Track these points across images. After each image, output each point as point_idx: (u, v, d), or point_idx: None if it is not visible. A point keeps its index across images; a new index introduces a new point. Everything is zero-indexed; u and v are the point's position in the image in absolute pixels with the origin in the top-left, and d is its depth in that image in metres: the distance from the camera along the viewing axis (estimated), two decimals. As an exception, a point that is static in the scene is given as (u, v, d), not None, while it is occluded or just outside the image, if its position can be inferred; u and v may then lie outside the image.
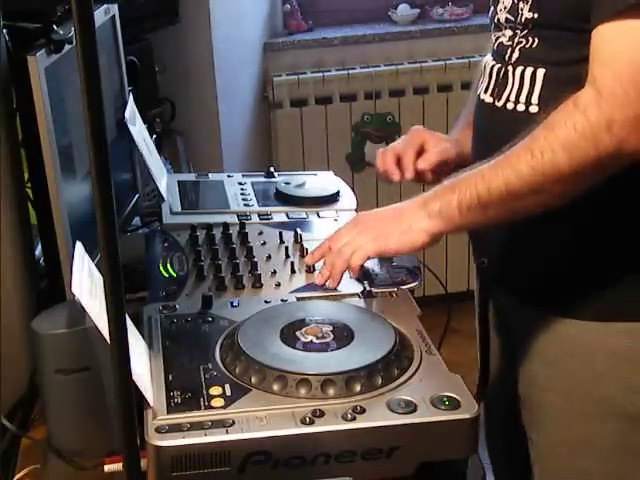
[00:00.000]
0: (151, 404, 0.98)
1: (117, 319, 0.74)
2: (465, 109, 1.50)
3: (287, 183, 1.69)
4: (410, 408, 0.98)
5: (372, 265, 1.36)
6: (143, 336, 1.13)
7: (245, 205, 1.62)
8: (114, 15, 1.57)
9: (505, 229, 1.26)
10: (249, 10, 3.11)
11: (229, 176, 1.79)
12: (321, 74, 3.16)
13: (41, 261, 1.34)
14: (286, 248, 1.42)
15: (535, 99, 1.21)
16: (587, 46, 1.13)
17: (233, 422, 0.95)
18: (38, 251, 1.34)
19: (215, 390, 1.01)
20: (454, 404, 0.98)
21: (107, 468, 0.99)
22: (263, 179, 1.76)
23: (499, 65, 1.27)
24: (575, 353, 1.25)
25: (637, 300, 1.21)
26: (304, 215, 1.58)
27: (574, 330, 1.24)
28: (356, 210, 1.60)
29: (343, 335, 1.10)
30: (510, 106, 1.24)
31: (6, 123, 1.22)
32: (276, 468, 0.94)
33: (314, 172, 1.81)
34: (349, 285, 1.30)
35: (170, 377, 1.04)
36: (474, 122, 1.37)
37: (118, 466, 0.98)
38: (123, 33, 1.62)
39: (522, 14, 1.20)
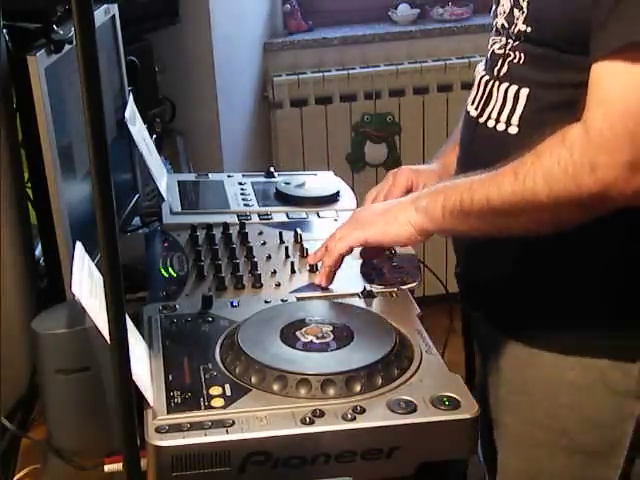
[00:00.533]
0: (151, 404, 0.98)
1: (117, 319, 0.74)
2: (457, 128, 1.45)
3: (287, 183, 1.69)
4: (410, 408, 0.98)
5: (372, 266, 1.36)
6: (143, 336, 1.13)
7: (245, 205, 1.62)
8: (114, 15, 1.57)
9: (480, 251, 1.25)
10: (249, 10, 3.11)
11: (229, 176, 1.79)
12: (321, 74, 3.16)
13: (41, 261, 1.34)
14: (286, 248, 1.42)
15: (516, 119, 1.18)
16: (574, 72, 1.10)
17: (233, 422, 0.95)
18: (38, 251, 1.34)
19: (215, 390, 1.01)
20: (454, 404, 0.98)
21: (107, 468, 0.99)
22: (263, 179, 1.76)
23: (487, 77, 1.25)
24: (539, 384, 1.24)
25: (602, 336, 1.19)
26: (304, 215, 1.58)
27: (540, 361, 1.23)
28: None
29: (343, 335, 1.10)
30: (491, 124, 1.22)
31: (6, 123, 1.22)
32: (276, 468, 0.94)
33: (314, 172, 1.81)
34: (349, 285, 1.30)
35: (170, 377, 1.03)
36: (461, 133, 1.35)
37: (118, 466, 0.98)
38: (123, 33, 1.62)
39: (516, 24, 1.17)
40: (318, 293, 1.28)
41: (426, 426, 0.96)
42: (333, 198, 1.64)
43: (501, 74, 1.21)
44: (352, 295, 1.26)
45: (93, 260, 1.07)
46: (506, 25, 1.20)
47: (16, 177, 1.26)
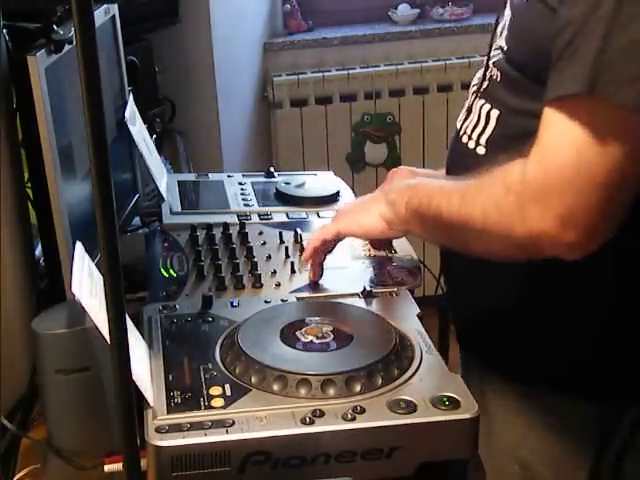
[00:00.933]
0: (151, 404, 0.98)
1: (117, 319, 0.74)
2: None
3: (287, 183, 1.69)
4: (410, 408, 0.97)
5: (372, 265, 1.36)
6: (143, 336, 1.13)
7: (245, 205, 1.62)
8: (114, 15, 1.57)
9: (470, 287, 1.25)
10: (249, 10, 3.11)
11: (229, 176, 1.79)
12: (321, 74, 3.16)
13: (41, 261, 1.34)
14: (286, 248, 1.42)
15: (484, 140, 1.16)
16: (540, 103, 1.03)
17: (233, 422, 0.95)
18: (38, 251, 1.34)
19: (215, 390, 1.01)
20: (454, 404, 0.98)
21: (107, 468, 0.99)
22: (263, 179, 1.76)
23: (474, 88, 1.23)
24: (496, 409, 1.23)
25: (552, 372, 1.18)
26: (304, 215, 1.58)
27: (499, 387, 1.22)
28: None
29: (343, 335, 1.10)
30: (465, 139, 1.21)
31: (6, 123, 1.22)
32: (276, 468, 0.94)
33: (314, 172, 1.81)
34: (349, 285, 1.30)
35: (170, 377, 1.03)
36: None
37: (118, 466, 0.98)
38: (123, 33, 1.62)
39: (500, 39, 1.14)
40: (318, 293, 1.28)
41: (426, 426, 0.96)
42: (333, 198, 1.64)
43: (482, 89, 1.20)
44: (352, 295, 1.26)
45: (93, 260, 1.07)
46: (497, 37, 1.17)
47: (16, 177, 1.26)
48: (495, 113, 1.15)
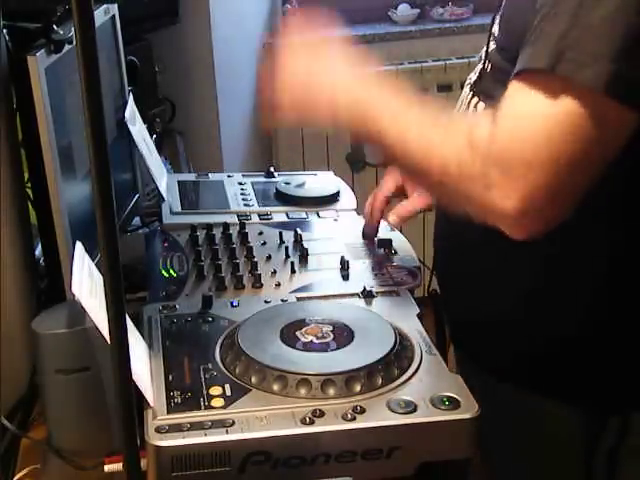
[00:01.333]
0: (151, 404, 0.98)
1: (117, 319, 0.74)
2: None
3: (287, 183, 1.69)
4: (410, 408, 0.97)
5: (372, 265, 1.36)
6: (143, 336, 1.13)
7: (245, 205, 1.62)
8: (114, 15, 1.57)
9: (466, 285, 1.24)
10: (249, 10, 3.11)
11: (229, 176, 1.79)
12: (321, 74, 3.15)
13: (41, 261, 1.34)
14: (286, 248, 1.42)
15: None
16: None
17: (233, 422, 0.95)
18: (38, 251, 1.34)
19: (215, 390, 1.01)
20: (454, 404, 0.98)
21: (107, 468, 0.99)
22: (263, 179, 1.76)
23: (468, 81, 1.23)
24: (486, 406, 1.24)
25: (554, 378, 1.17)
26: (304, 215, 1.58)
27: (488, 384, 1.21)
28: (356, 210, 1.60)
29: (343, 335, 1.10)
30: None
31: (6, 123, 1.22)
32: (276, 468, 0.94)
33: (314, 172, 1.81)
34: (349, 285, 1.30)
35: (170, 377, 1.04)
36: None
37: (118, 466, 0.98)
38: (123, 33, 1.62)
39: (495, 26, 1.14)
40: (318, 293, 1.28)
41: (426, 426, 0.96)
42: (333, 198, 1.64)
43: (471, 82, 1.20)
44: (352, 295, 1.26)
45: (93, 260, 1.07)
46: (493, 27, 1.16)
47: (16, 177, 1.26)
48: (481, 106, 1.15)
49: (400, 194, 1.45)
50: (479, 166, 0.95)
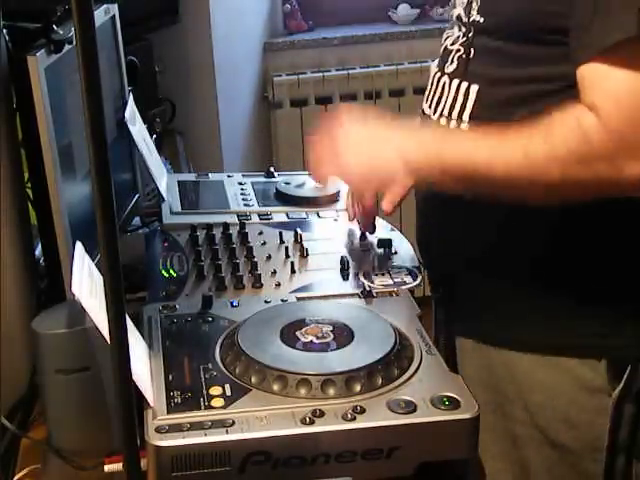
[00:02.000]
0: (151, 404, 0.98)
1: (117, 319, 0.74)
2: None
3: (287, 183, 1.69)
4: (410, 408, 0.97)
5: (372, 265, 1.36)
6: (143, 336, 1.13)
7: (245, 205, 1.62)
8: (114, 15, 1.57)
9: (447, 246, 1.25)
10: (249, 10, 3.11)
11: (229, 176, 1.79)
12: (321, 74, 3.16)
13: (41, 261, 1.34)
14: (286, 248, 1.42)
15: (466, 117, 1.18)
16: (528, 65, 1.11)
17: (233, 422, 0.95)
18: (38, 251, 1.34)
19: (215, 390, 1.01)
20: (454, 404, 0.98)
21: (107, 468, 0.99)
22: (263, 179, 1.76)
23: (439, 74, 1.25)
24: (512, 383, 1.24)
25: (568, 335, 1.20)
26: (304, 215, 1.58)
27: (510, 361, 1.23)
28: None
29: (343, 335, 1.10)
30: (443, 121, 1.21)
31: (6, 123, 1.22)
32: (276, 468, 0.94)
33: (314, 172, 1.80)
34: (349, 285, 1.30)
35: (170, 377, 1.03)
36: None
37: (118, 466, 0.98)
38: (123, 33, 1.62)
39: (471, 15, 1.16)
40: (318, 293, 1.28)
41: (426, 426, 0.96)
42: (333, 198, 1.64)
43: (450, 70, 1.22)
44: (352, 295, 1.26)
45: (93, 260, 1.07)
46: (462, 16, 1.20)
47: (16, 177, 1.26)
48: (474, 88, 1.17)
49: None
50: (601, 153, 1.02)
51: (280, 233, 1.47)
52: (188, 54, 2.85)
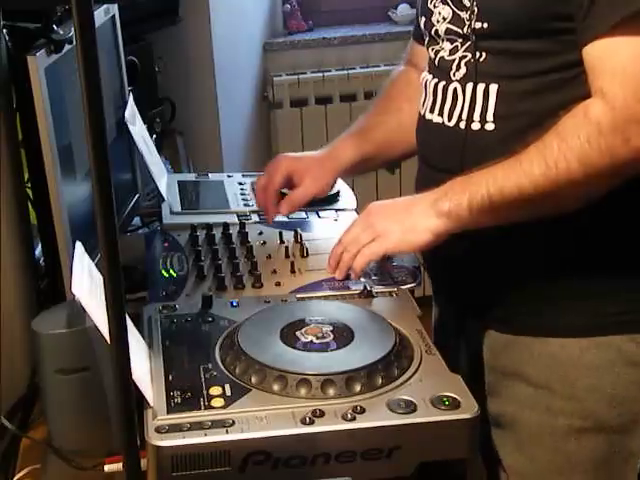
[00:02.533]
0: (151, 404, 0.98)
1: (117, 319, 0.74)
2: (363, 119, 1.48)
3: (287, 183, 1.69)
4: (410, 408, 0.97)
5: (372, 265, 1.36)
6: (143, 336, 1.13)
7: (245, 205, 1.62)
8: (114, 15, 1.57)
9: (467, 251, 1.24)
10: (249, 10, 3.11)
11: (229, 176, 1.79)
12: (321, 74, 3.16)
13: (41, 261, 1.34)
14: (286, 248, 1.42)
15: (490, 116, 1.19)
16: (538, 59, 1.13)
17: (233, 422, 0.95)
18: (38, 251, 1.34)
19: (215, 390, 1.00)
20: (454, 404, 0.98)
21: (107, 468, 0.99)
22: (263, 179, 1.76)
23: (443, 82, 1.24)
24: (556, 371, 1.23)
25: (611, 313, 1.21)
26: (304, 215, 1.58)
27: (551, 348, 1.23)
28: (356, 210, 1.60)
29: (343, 335, 1.10)
30: (463, 125, 1.21)
31: (6, 123, 1.22)
32: (276, 468, 0.94)
33: (314, 172, 1.80)
34: (349, 285, 1.30)
35: (170, 377, 1.03)
36: (421, 144, 1.34)
37: (118, 466, 0.98)
38: (123, 33, 1.62)
39: (469, 24, 1.17)
40: (318, 293, 1.28)
41: (426, 426, 0.96)
42: (333, 198, 1.64)
43: (459, 76, 1.22)
44: (352, 295, 1.26)
45: (93, 260, 1.07)
46: (454, 29, 1.20)
47: (16, 177, 1.26)
48: (494, 87, 1.18)
49: (288, 184, 1.48)
50: (610, 131, 1.05)
51: (280, 233, 1.47)
52: (188, 54, 2.85)
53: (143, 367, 1.04)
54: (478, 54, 1.18)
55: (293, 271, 1.35)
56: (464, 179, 1.17)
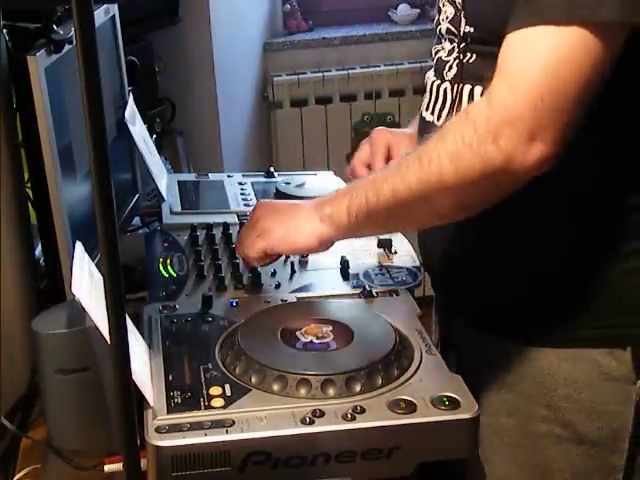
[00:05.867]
0: (151, 404, 0.98)
1: (117, 319, 0.74)
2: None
3: (287, 183, 1.69)
4: (410, 408, 0.97)
5: (372, 265, 1.36)
6: (143, 336, 1.13)
7: (245, 205, 1.62)
8: (114, 15, 1.57)
9: (454, 250, 1.23)
10: (249, 10, 3.11)
11: (229, 176, 1.79)
12: (321, 74, 3.16)
13: (41, 261, 1.34)
14: (286, 248, 1.42)
15: None
16: None
17: (233, 422, 0.95)
18: (38, 251, 1.34)
19: (215, 390, 1.01)
20: (454, 404, 0.98)
21: (107, 468, 0.99)
22: (263, 179, 1.76)
23: (438, 82, 1.24)
24: (534, 380, 1.22)
25: (591, 326, 1.19)
26: (304, 215, 1.57)
27: (532, 356, 1.22)
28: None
29: (343, 335, 1.10)
30: None
31: (6, 123, 1.22)
32: (276, 468, 0.94)
33: (314, 172, 1.81)
34: (349, 285, 1.30)
35: (170, 377, 1.03)
36: (418, 140, 1.33)
37: (118, 466, 0.98)
38: (123, 33, 1.62)
39: (462, 27, 1.17)
40: (318, 293, 1.28)
41: (426, 426, 0.96)
42: (333, 198, 1.64)
43: (450, 76, 1.21)
44: (352, 295, 1.26)
45: (93, 260, 1.07)
46: (452, 29, 1.20)
47: (16, 177, 1.26)
48: (478, 89, 1.17)
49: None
50: (484, 130, 1.01)
51: (280, 233, 1.47)
52: (188, 54, 2.86)
53: (143, 367, 1.04)
54: (469, 55, 1.18)
55: (293, 271, 1.35)
56: (353, 183, 1.17)
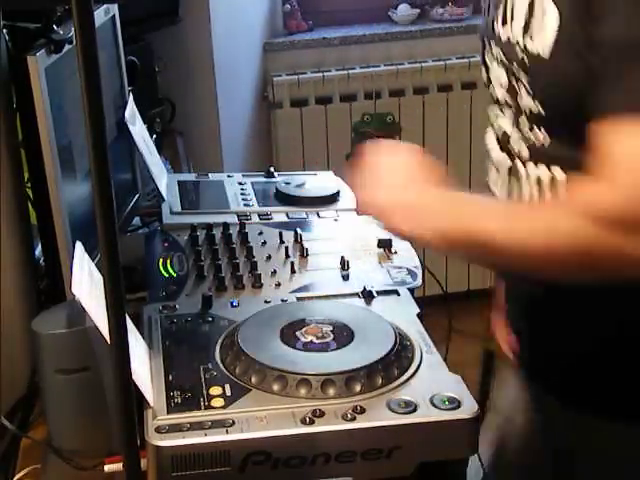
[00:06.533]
0: (151, 404, 0.98)
1: (117, 319, 0.74)
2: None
3: (287, 183, 1.69)
4: (410, 408, 0.97)
5: (372, 265, 1.36)
6: (143, 336, 1.13)
7: (245, 205, 1.62)
8: (114, 15, 1.57)
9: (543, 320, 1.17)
10: (249, 10, 3.12)
11: (229, 176, 1.79)
12: (321, 74, 3.16)
13: (41, 261, 1.34)
14: (286, 248, 1.42)
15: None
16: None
17: (233, 422, 0.95)
18: (38, 251, 1.34)
19: (215, 390, 1.01)
20: (454, 404, 0.98)
21: (107, 468, 0.99)
22: (263, 179, 1.76)
23: (509, 160, 1.13)
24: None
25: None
26: (304, 215, 1.58)
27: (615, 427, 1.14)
28: (356, 210, 1.60)
29: (343, 335, 1.10)
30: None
31: (6, 123, 1.23)
32: (276, 468, 0.94)
33: (314, 172, 1.81)
34: (349, 285, 1.30)
35: (170, 377, 1.03)
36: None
37: (118, 466, 0.98)
38: (123, 33, 1.62)
39: (521, 98, 1.07)
40: (318, 293, 1.28)
41: (426, 426, 0.96)
42: (333, 198, 1.64)
43: (523, 157, 1.11)
44: (352, 295, 1.26)
45: (93, 260, 1.07)
46: (510, 101, 1.11)
47: (16, 177, 1.26)
48: (562, 176, 1.07)
49: None
50: (611, 237, 0.93)
51: (280, 233, 1.47)
52: (188, 54, 2.86)
53: (143, 367, 1.04)
54: (541, 136, 1.08)
55: (293, 271, 1.35)
56: (468, 204, 1.07)
